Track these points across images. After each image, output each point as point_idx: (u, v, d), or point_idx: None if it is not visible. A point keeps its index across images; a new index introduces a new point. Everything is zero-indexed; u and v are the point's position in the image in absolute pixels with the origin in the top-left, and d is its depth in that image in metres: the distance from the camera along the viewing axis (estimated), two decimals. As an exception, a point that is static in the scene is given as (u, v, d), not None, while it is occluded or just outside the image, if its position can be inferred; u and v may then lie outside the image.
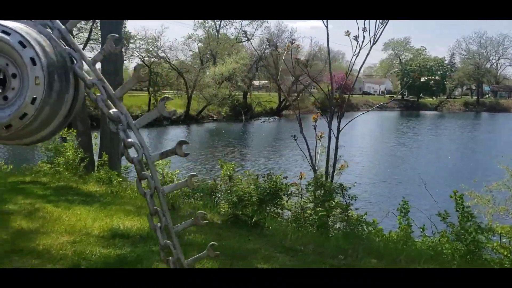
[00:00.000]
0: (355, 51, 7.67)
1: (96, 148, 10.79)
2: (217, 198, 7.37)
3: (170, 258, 2.15)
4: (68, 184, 6.81)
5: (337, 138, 8.21)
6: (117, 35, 1.89)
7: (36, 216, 5.11)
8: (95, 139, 10.79)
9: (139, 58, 43.06)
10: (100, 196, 6.28)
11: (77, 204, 5.70)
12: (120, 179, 7.77)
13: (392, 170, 20.34)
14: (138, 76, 1.91)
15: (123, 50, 42.42)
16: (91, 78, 1.91)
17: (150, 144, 29.35)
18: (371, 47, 7.46)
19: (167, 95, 2.00)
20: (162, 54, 42.87)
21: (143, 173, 2.03)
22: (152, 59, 42.72)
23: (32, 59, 1.48)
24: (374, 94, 74.04)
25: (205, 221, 2.11)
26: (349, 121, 8.51)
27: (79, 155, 9.14)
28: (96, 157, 10.28)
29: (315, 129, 9.04)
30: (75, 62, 1.96)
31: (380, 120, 53.33)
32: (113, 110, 2.06)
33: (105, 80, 1.99)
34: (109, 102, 2.08)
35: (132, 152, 1.65)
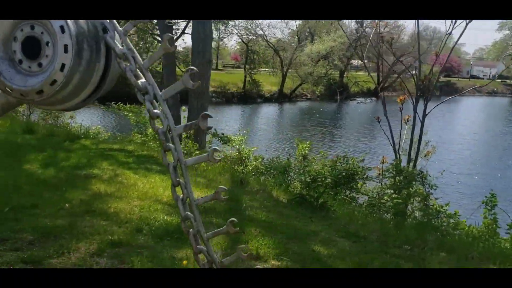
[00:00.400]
0: (448, 30, 7.09)
1: (184, 122, 11.31)
2: (290, 177, 7.35)
3: (191, 230, 2.18)
4: (150, 154, 7.23)
5: (422, 122, 7.71)
6: (195, 69, 1.91)
7: (115, 181, 5.50)
8: (184, 112, 11.28)
9: (238, 35, 43.91)
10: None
11: (154, 173, 6.04)
12: (198, 152, 8.06)
13: (493, 162, 18.70)
14: (165, 47, 1.93)
15: (223, 27, 43.65)
16: (121, 48, 1.97)
17: (241, 121, 30.09)
18: (466, 25, 6.86)
19: (192, 67, 2.01)
20: (260, 32, 43.21)
21: (167, 144, 2.07)
22: (250, 37, 43.26)
23: (62, 27, 1.55)
24: (483, 78, 68.11)
25: (225, 197, 2.10)
26: (436, 105, 7.94)
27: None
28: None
29: (401, 111, 8.59)
30: (108, 32, 2.03)
31: (489, 106, 49.12)
32: (141, 81, 2.11)
33: (135, 50, 2.03)
34: (138, 72, 2.13)
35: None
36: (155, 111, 2.09)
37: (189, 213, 2.18)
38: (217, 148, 2.04)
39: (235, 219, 2.07)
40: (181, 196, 2.18)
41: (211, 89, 39.76)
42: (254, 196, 5.58)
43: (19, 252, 3.41)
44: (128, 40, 2.09)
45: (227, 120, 28.55)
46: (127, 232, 4.03)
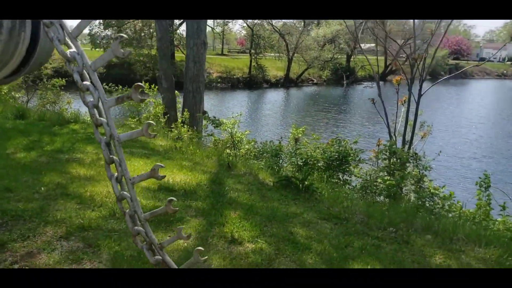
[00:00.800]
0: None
1: (179, 106, 11.18)
2: (281, 160, 7.21)
3: (127, 211, 2.05)
4: (139, 138, 7.10)
5: (417, 103, 7.51)
6: (124, 36, 1.76)
7: (96, 165, 5.40)
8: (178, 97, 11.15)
9: (243, 20, 43.41)
10: (163, 151, 6.47)
11: (137, 157, 5.93)
12: (190, 135, 7.94)
13: (500, 145, 18.38)
14: (114, 50, 1.77)
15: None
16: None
17: (246, 106, 29.88)
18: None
19: (121, 34, 1.85)
20: (265, 16, 42.61)
21: (99, 118, 1.93)
22: (256, 21, 42.78)
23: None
24: (493, 61, 66.94)
25: (162, 175, 1.97)
26: (431, 86, 7.73)
27: (159, 111, 9.54)
28: (180, 115, 10.65)
29: (397, 92, 8.39)
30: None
31: (498, 90, 48.32)
32: (70, 50, 1.96)
33: (63, 20, 1.89)
34: (69, 42, 1.98)
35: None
36: (85, 82, 1.95)
37: (125, 192, 2.06)
38: (151, 122, 1.89)
39: (174, 198, 1.94)
40: (116, 174, 2.05)
41: (216, 74, 39.57)
42: (239, 179, 5.45)
43: (-17, 236, 3.33)
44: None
45: (232, 106, 28.38)
46: (99, 216, 3.93)
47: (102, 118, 1.97)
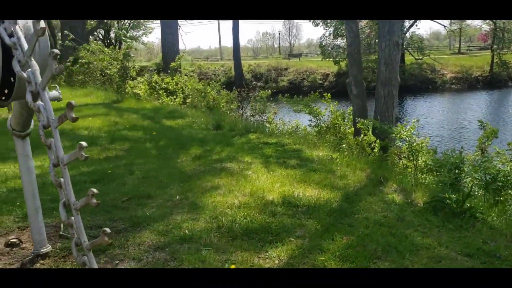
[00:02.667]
0: None
1: (371, 111, 10.53)
2: (464, 174, 5.97)
3: (74, 238, 1.94)
4: (301, 148, 6.96)
5: None
6: (56, 51, 1.78)
7: (241, 174, 5.50)
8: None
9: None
10: (316, 161, 6.14)
11: (285, 168, 5.77)
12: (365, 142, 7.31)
13: None
14: (53, 69, 1.77)
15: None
16: (12, 38, 1.89)
17: (484, 109, 26.24)
18: None
19: (54, 50, 1.78)
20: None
21: (47, 139, 1.89)
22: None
23: None
24: None
25: (97, 202, 1.80)
26: None
27: (339, 119, 9.18)
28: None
29: None
30: (2, 23, 1.99)
31: None
32: (29, 70, 1.98)
33: (22, 39, 1.93)
34: (30, 62, 2.01)
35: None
36: (37, 103, 1.92)
37: (72, 218, 1.94)
38: (83, 143, 1.74)
39: (108, 229, 1.74)
40: (63, 199, 1.96)
41: (450, 75, 36.18)
42: (383, 197, 4.73)
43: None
44: (18, 29, 1.99)
45: (463, 109, 25.44)
46: (206, 228, 3.94)
47: (51, 139, 1.92)
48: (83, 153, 1.76)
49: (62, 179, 1.90)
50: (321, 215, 4.23)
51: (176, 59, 16.42)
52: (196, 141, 7.61)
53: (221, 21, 71.72)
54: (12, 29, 1.95)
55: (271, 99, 14.01)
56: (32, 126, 3.24)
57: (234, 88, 15.82)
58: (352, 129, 9.74)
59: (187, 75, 16.77)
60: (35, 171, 3.50)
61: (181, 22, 35.36)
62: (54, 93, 3.60)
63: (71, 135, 8.33)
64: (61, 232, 3.83)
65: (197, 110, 12.84)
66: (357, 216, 4.20)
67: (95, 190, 1.78)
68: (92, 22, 31.05)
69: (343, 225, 4.00)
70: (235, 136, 8.12)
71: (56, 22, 27.38)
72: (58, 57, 1.75)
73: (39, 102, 1.87)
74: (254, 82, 43.47)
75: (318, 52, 48.00)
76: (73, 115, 1.75)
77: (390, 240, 3.67)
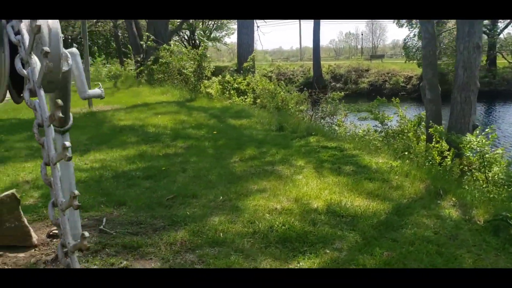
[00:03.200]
0: None
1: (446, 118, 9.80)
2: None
3: (60, 240, 1.95)
4: (359, 153, 6.63)
5: None
6: (46, 49, 1.82)
7: (290, 179, 5.34)
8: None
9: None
10: (374, 169, 5.79)
11: (337, 175, 5.52)
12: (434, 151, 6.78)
13: None
14: (48, 67, 1.81)
15: None
16: (17, 36, 1.96)
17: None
18: None
19: (45, 47, 1.80)
20: None
21: (40, 138, 1.92)
22: None
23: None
24: None
25: (77, 204, 1.78)
26: None
27: (414, 124, 8.66)
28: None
29: None
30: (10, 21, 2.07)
31: None
32: (28, 68, 2.02)
33: (25, 37, 1.98)
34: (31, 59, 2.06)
35: None
36: (32, 100, 1.94)
37: (59, 219, 1.94)
38: (66, 143, 1.73)
39: (87, 233, 1.72)
40: (52, 199, 1.96)
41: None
42: (437, 212, 4.33)
43: (134, 237, 3.77)
44: (22, 27, 2.03)
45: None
46: (241, 232, 3.86)
47: (43, 138, 1.92)
48: (67, 154, 1.73)
49: (51, 178, 1.89)
50: (365, 227, 3.95)
51: (248, 60, 16.55)
52: (254, 141, 7.56)
53: (302, 21, 71.42)
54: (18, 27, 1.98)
55: (342, 100, 13.60)
56: (71, 122, 3.34)
57: (305, 89, 15.61)
58: (425, 136, 9.14)
59: (265, 76, 16.90)
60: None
61: (259, 22, 35.67)
62: (97, 90, 3.70)
63: (140, 131, 8.68)
64: (101, 227, 3.94)
65: (265, 110, 12.81)
66: (405, 231, 3.87)
67: (76, 192, 1.74)
68: (177, 22, 32.33)
69: (387, 240, 3.70)
70: (295, 138, 7.95)
71: (143, 23, 28.82)
72: (48, 55, 1.73)
73: (35, 101, 1.87)
74: (333, 83, 42.76)
75: (402, 54, 46.11)
76: (59, 114, 1.74)
77: (436, 260, 3.32)
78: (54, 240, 3.71)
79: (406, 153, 6.61)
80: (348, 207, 4.40)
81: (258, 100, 15.08)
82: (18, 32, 1.99)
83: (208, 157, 6.51)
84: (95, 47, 49.47)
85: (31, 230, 3.54)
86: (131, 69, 25.99)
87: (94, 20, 43.95)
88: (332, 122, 13.15)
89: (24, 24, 1.99)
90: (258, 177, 5.46)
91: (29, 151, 7.04)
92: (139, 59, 21.37)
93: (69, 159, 1.75)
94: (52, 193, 1.96)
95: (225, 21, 50.89)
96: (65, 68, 2.44)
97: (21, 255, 3.40)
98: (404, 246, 3.58)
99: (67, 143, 1.72)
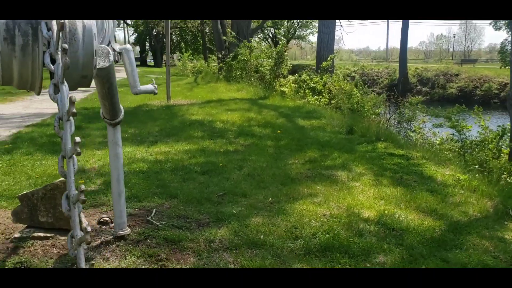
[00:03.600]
0: None
1: None
2: None
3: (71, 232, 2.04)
4: (426, 163, 6.22)
5: None
6: (65, 46, 1.93)
7: (345, 185, 5.15)
8: None
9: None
10: (437, 182, 5.40)
11: (399, 184, 5.23)
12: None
13: None
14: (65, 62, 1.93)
15: None
16: (48, 32, 2.09)
17: None
18: None
19: (64, 45, 1.87)
20: None
21: (60, 131, 2.03)
22: None
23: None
24: None
25: (83, 198, 1.85)
26: None
27: (496, 136, 7.99)
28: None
29: None
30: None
31: None
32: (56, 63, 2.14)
33: (54, 34, 2.10)
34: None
35: None
36: (55, 95, 2.02)
37: (70, 213, 2.00)
38: (77, 138, 1.79)
39: (89, 228, 1.78)
40: (66, 192, 2.03)
41: None
42: (502, 234, 3.93)
43: (178, 231, 3.84)
44: (53, 23, 2.13)
45: None
46: (282, 236, 3.78)
47: (62, 131, 1.99)
48: (77, 149, 1.78)
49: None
50: (414, 243, 3.69)
51: (328, 59, 16.28)
52: (318, 144, 7.40)
53: (391, 21, 68.94)
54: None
55: (417, 105, 12.89)
56: (122, 116, 3.47)
57: (383, 91, 15.03)
58: (507, 150, 8.38)
59: (348, 76, 16.51)
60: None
61: (343, 21, 34.90)
62: (149, 86, 3.81)
63: (207, 126, 8.87)
64: (149, 218, 4.06)
65: (338, 112, 12.53)
66: (458, 251, 3.56)
67: (83, 187, 1.79)
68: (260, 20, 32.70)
69: (436, 259, 3.42)
70: (362, 143, 7.67)
71: (228, 20, 29.47)
72: (66, 51, 1.79)
73: (57, 95, 1.94)
74: (419, 87, 40.88)
75: (499, 59, 42.86)
76: (73, 110, 1.79)
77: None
78: (104, 226, 3.90)
79: (477, 166, 6.07)
80: (401, 220, 4.14)
81: (334, 101, 14.80)
82: (50, 29, 2.09)
83: (267, 157, 6.48)
84: (182, 43, 51.63)
85: (82, 216, 3.73)
86: (215, 65, 26.71)
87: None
88: (409, 127, 12.54)
89: (56, 21, 2.08)
90: (313, 181, 5.33)
91: (103, 139, 7.48)
92: (220, 55, 21.92)
93: (79, 154, 1.79)
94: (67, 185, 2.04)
95: (310, 19, 50.58)
96: (105, 63, 2.53)
97: (71, 238, 3.60)
98: (454, 268, 3.29)
99: (77, 139, 1.77)
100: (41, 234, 3.56)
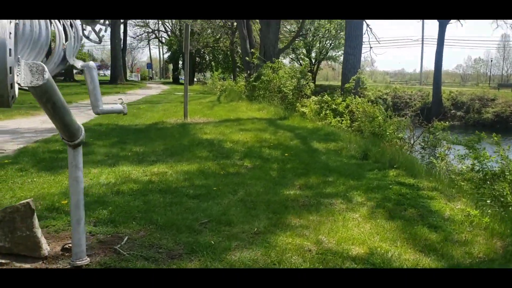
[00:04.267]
0: None
1: None
2: None
3: None
4: (435, 195, 5.72)
5: None
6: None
7: (343, 216, 4.75)
8: None
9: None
10: (443, 217, 4.89)
11: (400, 217, 4.78)
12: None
13: None
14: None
15: None
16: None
17: None
18: None
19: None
20: None
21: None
22: None
23: None
24: None
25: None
26: None
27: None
28: None
29: None
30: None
31: None
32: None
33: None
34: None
35: None
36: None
37: None
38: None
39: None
40: None
41: None
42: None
43: (144, 262, 3.56)
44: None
45: None
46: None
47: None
48: None
49: None
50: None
51: (350, 81, 15.87)
52: (324, 169, 7.01)
53: (426, 43, 67.89)
54: None
55: (448, 131, 12.25)
56: (82, 137, 3.24)
57: (408, 115, 14.47)
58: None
59: (380, 98, 16.03)
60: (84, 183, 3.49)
61: (373, 43, 34.36)
62: (117, 106, 3.58)
63: (216, 146, 8.62)
64: (117, 247, 3.79)
65: (358, 135, 12.07)
66: None
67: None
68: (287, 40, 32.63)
69: None
70: (374, 169, 7.22)
71: (258, 39, 29.51)
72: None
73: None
74: (453, 111, 39.70)
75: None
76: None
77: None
78: (67, 254, 3.64)
79: (488, 201, 5.51)
80: (393, 259, 3.71)
81: (355, 124, 14.33)
82: None
83: (267, 181, 6.14)
84: (213, 62, 52.21)
85: (42, 242, 3.50)
86: (242, 84, 26.71)
87: (217, 36, 46.40)
88: (432, 154, 11.92)
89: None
90: (308, 210, 4.95)
91: (103, 157, 7.34)
92: (245, 75, 21.85)
93: None
94: None
95: (342, 40, 50.39)
96: (38, 82, 2.29)
97: (27, 265, 3.37)
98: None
99: None
100: (-5, 260, 3.34)
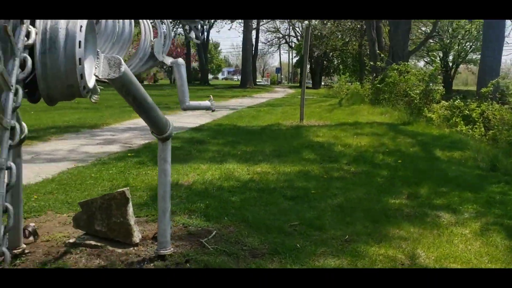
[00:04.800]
0: None
1: None
2: None
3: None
4: None
5: None
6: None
7: (447, 230, 4.24)
8: None
9: None
10: None
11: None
12: None
13: None
14: None
15: None
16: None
17: None
18: None
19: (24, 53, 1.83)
20: None
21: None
22: None
23: None
24: None
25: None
26: None
27: None
28: None
29: None
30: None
31: None
32: None
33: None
34: None
35: None
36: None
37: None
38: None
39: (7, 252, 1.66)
40: None
41: None
42: None
43: (225, 258, 3.56)
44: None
45: None
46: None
47: None
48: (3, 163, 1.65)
49: None
50: None
51: (488, 85, 14.29)
52: (442, 179, 6.36)
53: None
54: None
55: None
56: (169, 131, 3.36)
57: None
58: None
59: None
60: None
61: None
62: (204, 103, 3.65)
63: (325, 150, 8.43)
64: (203, 240, 3.86)
65: (490, 144, 10.80)
66: None
67: (9, 206, 1.62)
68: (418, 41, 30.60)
69: None
70: (500, 182, 6.36)
71: (388, 42, 28.36)
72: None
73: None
74: None
75: None
76: (8, 120, 1.68)
77: None
78: (156, 243, 3.82)
79: None
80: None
81: (490, 132, 12.87)
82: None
83: (372, 187, 5.78)
84: (341, 66, 51.51)
85: (134, 229, 3.71)
86: (367, 87, 25.90)
87: (347, 39, 45.68)
88: None
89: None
90: (410, 221, 4.53)
91: (215, 154, 7.63)
92: (371, 78, 21.11)
93: (8, 168, 1.66)
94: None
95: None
96: (114, 74, 2.41)
97: (118, 251, 3.60)
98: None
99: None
100: (93, 243, 3.62)
